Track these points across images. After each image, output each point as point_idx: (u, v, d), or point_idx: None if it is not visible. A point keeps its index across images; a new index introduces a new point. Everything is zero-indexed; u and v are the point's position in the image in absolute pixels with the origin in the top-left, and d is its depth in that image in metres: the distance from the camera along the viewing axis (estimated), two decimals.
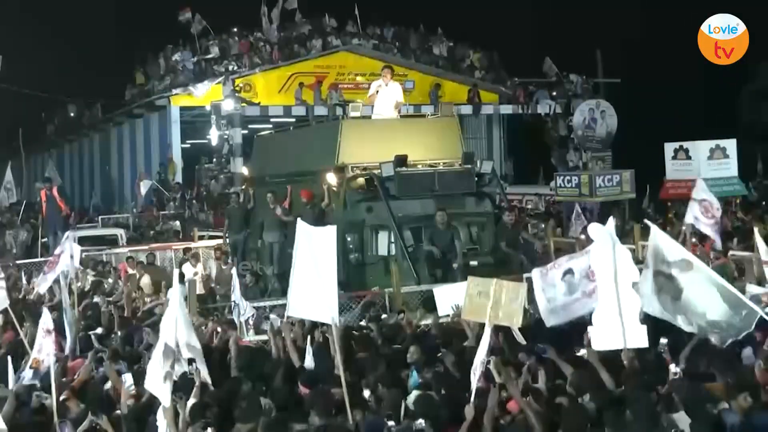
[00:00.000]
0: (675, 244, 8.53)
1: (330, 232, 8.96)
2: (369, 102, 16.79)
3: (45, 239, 22.10)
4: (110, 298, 14.19)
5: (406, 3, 39.03)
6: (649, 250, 8.50)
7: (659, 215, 21.76)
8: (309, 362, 9.14)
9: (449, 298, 11.10)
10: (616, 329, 7.88)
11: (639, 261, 15.39)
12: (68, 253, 12.69)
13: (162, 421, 7.53)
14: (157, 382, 7.54)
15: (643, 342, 7.89)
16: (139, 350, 10.53)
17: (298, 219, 9.61)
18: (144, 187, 30.70)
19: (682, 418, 6.64)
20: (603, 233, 8.22)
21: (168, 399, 7.43)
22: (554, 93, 33.89)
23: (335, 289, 8.86)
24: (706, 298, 8.06)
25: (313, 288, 8.87)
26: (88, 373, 9.62)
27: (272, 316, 12.06)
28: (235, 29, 33.89)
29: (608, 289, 8.02)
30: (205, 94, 31.24)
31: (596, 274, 8.38)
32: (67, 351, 10.90)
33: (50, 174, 30.68)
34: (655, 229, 8.59)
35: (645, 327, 7.91)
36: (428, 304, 12.18)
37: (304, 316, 9.63)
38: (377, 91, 16.37)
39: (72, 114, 42.45)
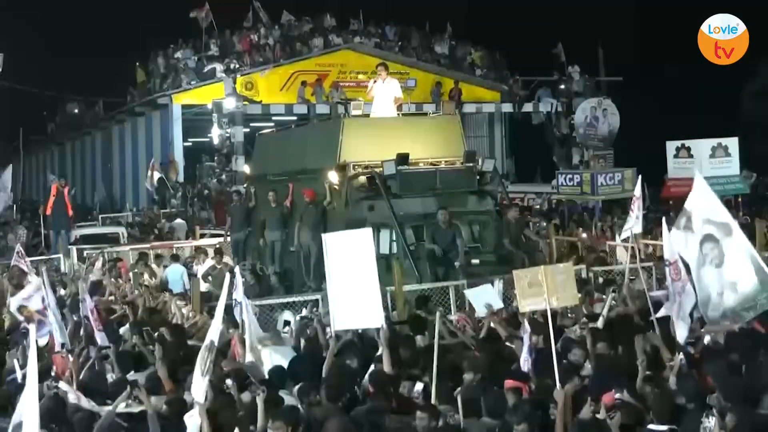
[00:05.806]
0: (717, 203, 8.99)
1: (366, 234, 8.94)
2: (369, 99, 16.78)
3: (46, 234, 22.11)
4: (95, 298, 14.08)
5: (409, 1, 39.01)
6: (693, 207, 8.98)
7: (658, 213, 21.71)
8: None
9: (481, 298, 11.08)
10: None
11: (641, 259, 15.37)
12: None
13: (189, 419, 7.41)
14: (197, 378, 7.46)
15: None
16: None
17: (323, 235, 9.57)
18: (155, 177, 30.61)
19: None
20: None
21: (202, 394, 7.34)
22: (562, 87, 33.78)
23: (378, 291, 8.86)
24: (741, 267, 8.57)
25: (355, 295, 8.80)
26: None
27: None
28: (245, 25, 33.97)
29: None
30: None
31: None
32: (57, 348, 10.86)
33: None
34: (699, 180, 9.07)
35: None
36: (420, 302, 12.17)
37: (352, 327, 9.55)
38: (372, 87, 16.37)
39: (74, 112, 42.45)
